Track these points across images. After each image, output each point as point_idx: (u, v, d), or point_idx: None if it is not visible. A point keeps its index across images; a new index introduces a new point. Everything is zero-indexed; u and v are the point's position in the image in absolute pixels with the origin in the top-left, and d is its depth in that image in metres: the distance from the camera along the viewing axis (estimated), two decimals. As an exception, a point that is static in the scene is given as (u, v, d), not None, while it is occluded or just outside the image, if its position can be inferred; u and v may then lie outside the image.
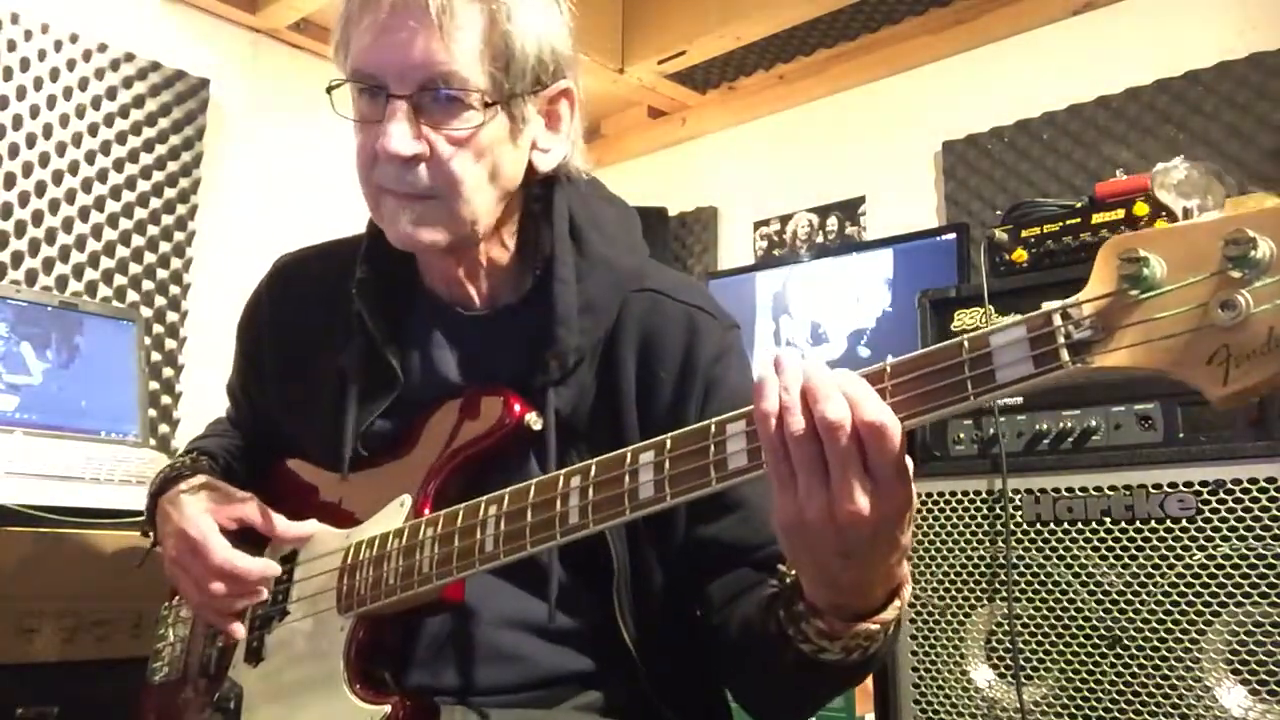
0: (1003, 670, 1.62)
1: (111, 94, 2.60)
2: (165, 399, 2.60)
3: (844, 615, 0.84)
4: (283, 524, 1.15)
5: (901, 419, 0.75)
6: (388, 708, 1.00)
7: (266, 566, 1.13)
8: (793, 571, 0.88)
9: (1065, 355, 0.70)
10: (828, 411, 0.74)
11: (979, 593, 1.66)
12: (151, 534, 1.26)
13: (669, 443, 0.86)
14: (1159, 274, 0.68)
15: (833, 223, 3.06)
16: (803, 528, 0.77)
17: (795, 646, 0.87)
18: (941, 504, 1.71)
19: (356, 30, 1.03)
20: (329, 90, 1.06)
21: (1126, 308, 0.69)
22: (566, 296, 1.09)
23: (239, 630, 1.13)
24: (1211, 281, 0.66)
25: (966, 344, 0.74)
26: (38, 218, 2.44)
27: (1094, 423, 1.59)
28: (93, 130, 2.56)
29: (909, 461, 0.77)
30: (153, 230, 2.64)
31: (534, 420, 1.07)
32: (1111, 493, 1.54)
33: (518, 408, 1.07)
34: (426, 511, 1.06)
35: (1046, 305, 0.73)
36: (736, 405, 0.80)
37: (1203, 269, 0.66)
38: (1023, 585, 1.61)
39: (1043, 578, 1.59)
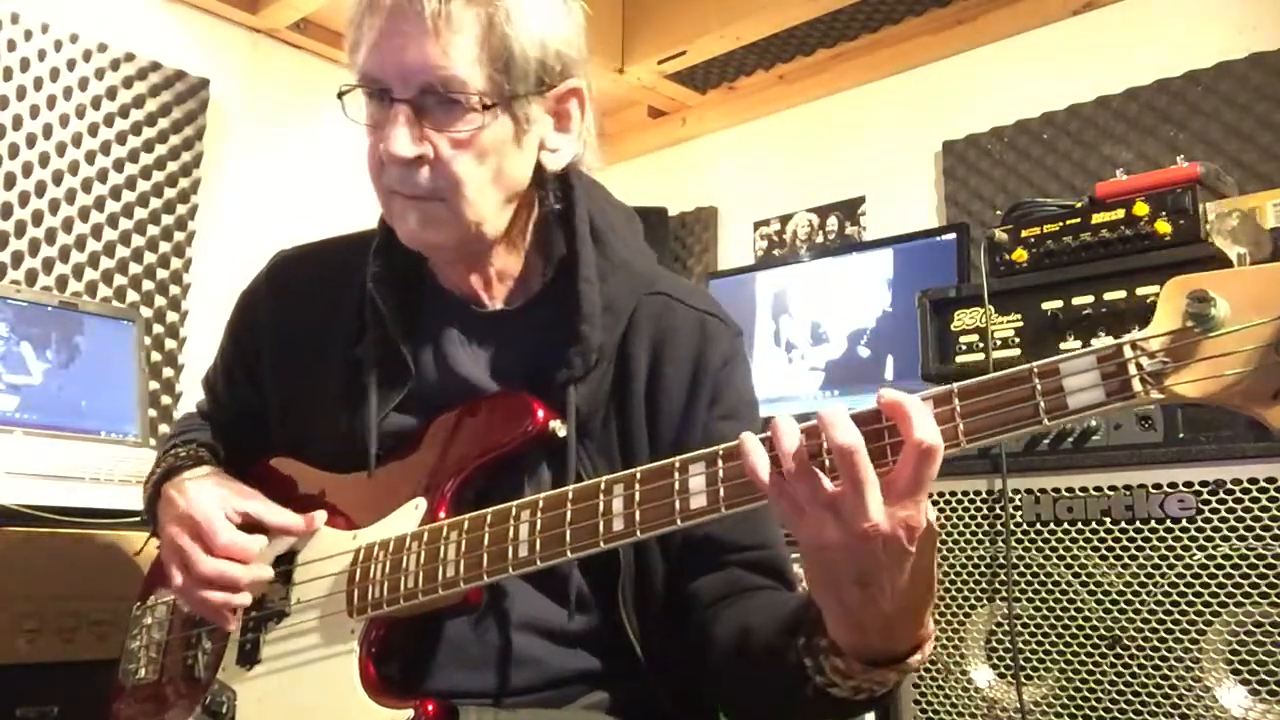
0: (1003, 670, 1.62)
1: (111, 94, 2.60)
2: (165, 399, 2.60)
3: (864, 658, 0.85)
4: (293, 516, 1.14)
5: (975, 438, 0.78)
6: (410, 711, 0.99)
7: (267, 550, 1.12)
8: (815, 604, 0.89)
9: (1138, 385, 0.74)
10: (839, 437, 0.76)
11: (979, 593, 1.66)
12: (150, 523, 1.25)
13: (721, 453, 0.86)
14: (1224, 314, 0.72)
15: (833, 223, 3.06)
16: (819, 553, 0.79)
17: (808, 678, 0.89)
18: (941, 504, 1.71)
19: (362, 34, 1.04)
20: (340, 95, 1.07)
21: (1193, 344, 0.73)
22: (592, 295, 1.11)
23: (232, 622, 1.12)
24: (1277, 323, 0.70)
25: (1036, 369, 0.77)
26: (38, 218, 2.43)
27: (1094, 423, 1.59)
28: (93, 130, 2.55)
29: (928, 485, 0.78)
30: (153, 230, 2.64)
31: (559, 427, 1.06)
32: (1111, 493, 1.54)
33: (541, 414, 1.06)
34: (443, 515, 1.05)
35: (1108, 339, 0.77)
36: (742, 409, 0.82)
37: (1268, 311, 0.71)
38: (1023, 585, 1.61)
39: (1043, 578, 1.59)
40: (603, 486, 0.92)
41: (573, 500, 0.94)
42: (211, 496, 1.15)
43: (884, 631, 0.83)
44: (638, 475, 0.91)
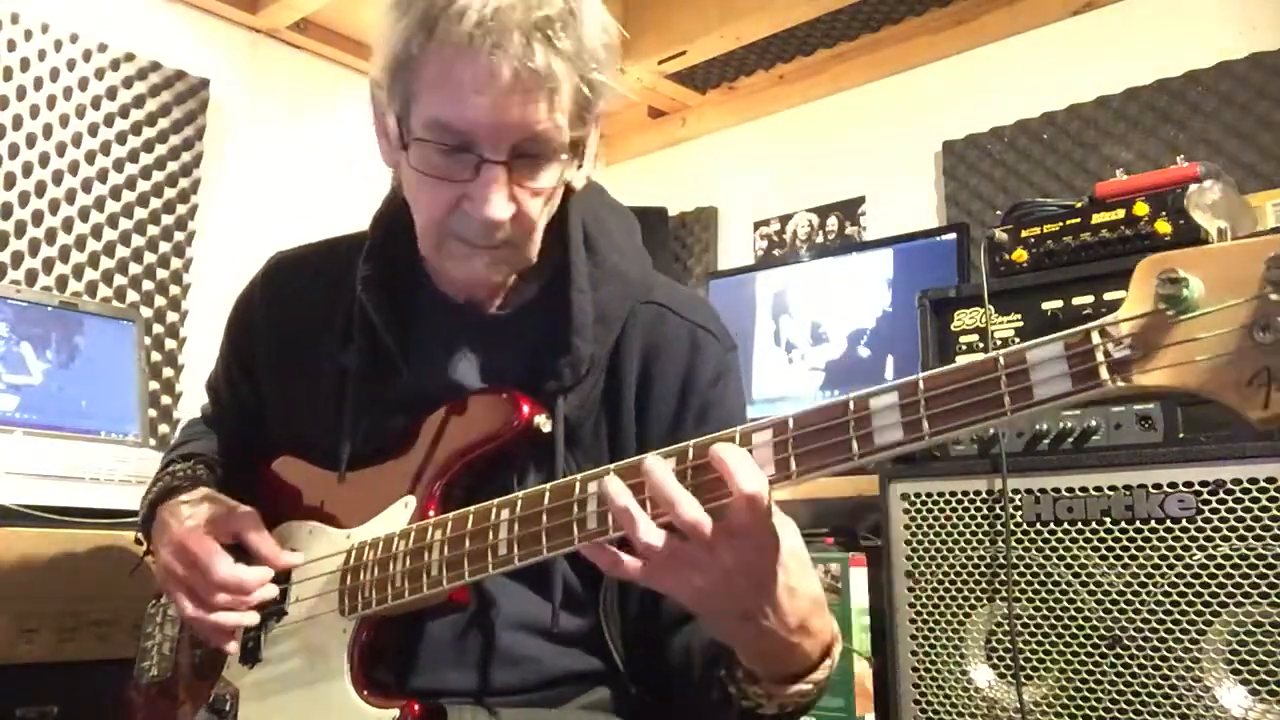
0: (1003, 670, 1.62)
1: (111, 94, 2.60)
2: (165, 399, 2.60)
3: (778, 679, 0.89)
4: (275, 553, 1.13)
5: (938, 432, 0.76)
6: (396, 711, 1.00)
7: (265, 579, 1.11)
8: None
9: (1105, 374, 0.70)
10: (681, 513, 0.79)
11: (979, 593, 1.66)
12: (145, 542, 1.25)
13: (691, 451, 0.86)
14: (1198, 294, 0.68)
15: (833, 223, 3.06)
16: (698, 601, 0.83)
17: (736, 703, 0.94)
18: (941, 504, 1.71)
19: (437, 81, 0.97)
20: (405, 146, 1.01)
21: (1164, 328, 0.69)
22: (583, 305, 1.10)
23: (232, 647, 1.11)
24: (1252, 304, 0.66)
25: (1002, 359, 0.74)
26: (38, 218, 2.43)
27: (1094, 423, 1.59)
28: (93, 130, 2.55)
29: (774, 513, 0.80)
30: (153, 230, 2.64)
31: (544, 422, 1.06)
32: (1111, 493, 1.54)
33: (526, 409, 1.06)
34: (432, 513, 1.05)
35: (1079, 325, 0.73)
36: (730, 426, 0.82)
37: (1243, 291, 0.66)
38: (1023, 585, 1.61)
39: (1043, 578, 1.59)
40: (578, 486, 0.92)
41: (549, 499, 0.94)
42: (204, 525, 1.14)
43: (786, 652, 0.87)
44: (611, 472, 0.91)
